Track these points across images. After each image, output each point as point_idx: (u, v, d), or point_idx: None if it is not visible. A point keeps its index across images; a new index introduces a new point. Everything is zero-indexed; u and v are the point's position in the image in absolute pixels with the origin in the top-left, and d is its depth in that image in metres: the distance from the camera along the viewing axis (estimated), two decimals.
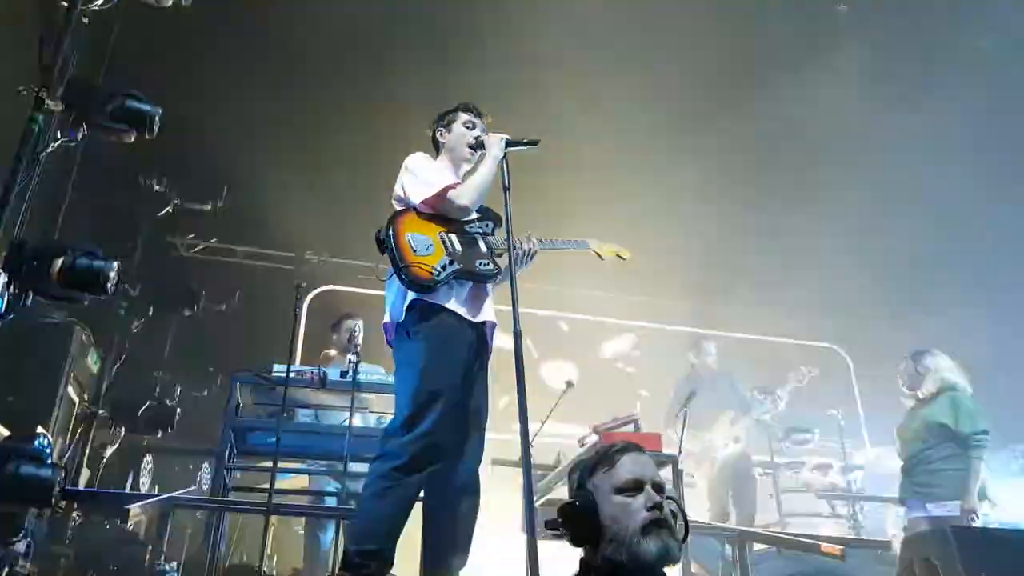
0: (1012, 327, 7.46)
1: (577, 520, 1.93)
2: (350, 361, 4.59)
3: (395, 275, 3.01)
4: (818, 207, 7.35)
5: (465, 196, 3.14)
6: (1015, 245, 7.42)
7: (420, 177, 3.18)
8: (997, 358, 7.01)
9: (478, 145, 3.27)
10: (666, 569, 1.89)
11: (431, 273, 2.97)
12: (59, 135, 3.73)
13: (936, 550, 3.15)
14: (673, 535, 1.88)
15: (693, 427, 5.82)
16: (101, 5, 4.03)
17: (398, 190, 3.23)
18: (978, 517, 4.39)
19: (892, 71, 6.69)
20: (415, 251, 3.01)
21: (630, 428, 4.42)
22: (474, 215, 3.24)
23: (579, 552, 2.00)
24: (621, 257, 3.55)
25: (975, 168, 7.01)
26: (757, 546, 4.58)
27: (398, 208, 3.19)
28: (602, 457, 2.01)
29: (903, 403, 5.02)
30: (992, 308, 7.49)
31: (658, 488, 1.93)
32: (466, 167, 3.38)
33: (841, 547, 3.98)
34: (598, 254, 3.50)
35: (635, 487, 1.92)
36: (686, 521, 1.96)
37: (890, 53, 6.62)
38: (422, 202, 3.14)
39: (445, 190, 3.13)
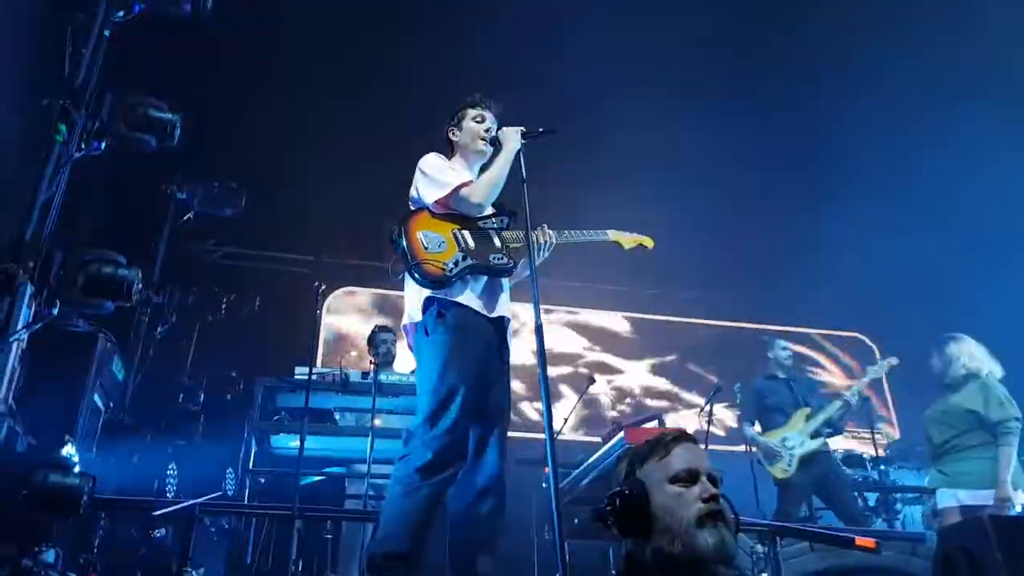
0: None
1: (628, 509, 1.84)
2: (371, 362, 4.59)
3: (406, 273, 3.01)
4: (845, 195, 7.29)
5: (477, 193, 3.12)
6: None
7: (433, 177, 3.18)
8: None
9: (493, 140, 3.26)
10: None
11: (443, 269, 2.96)
12: (82, 146, 3.77)
13: (974, 540, 3.07)
14: (729, 528, 1.81)
15: (766, 425, 5.76)
16: (123, 17, 4.08)
17: (412, 191, 3.23)
18: (1015, 506, 4.29)
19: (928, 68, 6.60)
20: (427, 248, 3.01)
21: (654, 424, 4.40)
22: (488, 210, 3.22)
23: None
24: (644, 246, 3.49)
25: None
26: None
27: (413, 209, 3.18)
28: (655, 445, 1.93)
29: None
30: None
31: (713, 480, 1.86)
32: (482, 161, 3.37)
33: (875, 540, 3.91)
34: (620, 243, 3.45)
35: (690, 477, 1.84)
36: (736, 516, 1.87)
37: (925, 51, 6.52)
38: (435, 202, 3.13)
39: (457, 188, 3.12)
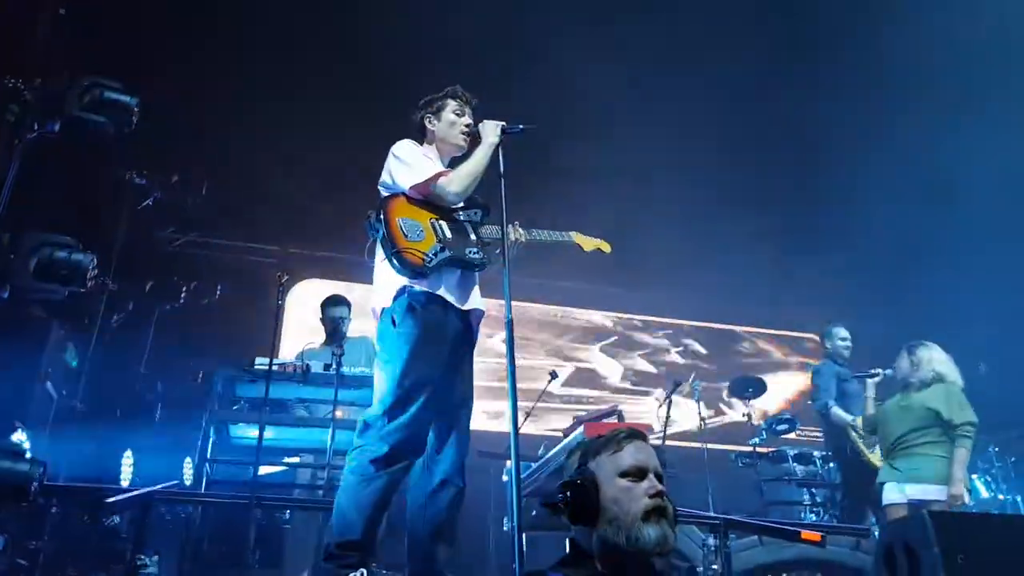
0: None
1: (579, 497, 1.94)
2: (334, 354, 4.57)
3: (386, 260, 3.01)
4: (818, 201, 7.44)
5: (456, 183, 3.11)
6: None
7: (409, 164, 3.16)
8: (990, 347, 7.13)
9: (472, 133, 3.27)
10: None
11: (423, 259, 2.97)
12: (36, 126, 3.68)
13: (914, 534, 3.18)
14: (671, 524, 1.91)
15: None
16: None
17: (385, 177, 3.20)
18: (966, 504, 4.45)
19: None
20: (406, 236, 3.01)
21: (614, 419, 4.45)
22: (462, 203, 3.24)
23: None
24: (601, 250, 3.58)
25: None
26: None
27: (385, 195, 3.18)
28: (608, 441, 2.03)
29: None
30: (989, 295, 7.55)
31: (659, 477, 1.96)
32: (455, 155, 3.37)
33: (821, 534, 4.02)
34: (581, 246, 3.52)
35: (638, 473, 1.95)
36: (675, 510, 1.98)
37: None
38: (411, 188, 3.12)
39: (436, 177, 3.11)
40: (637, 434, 2.06)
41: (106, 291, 5.35)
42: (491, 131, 3.13)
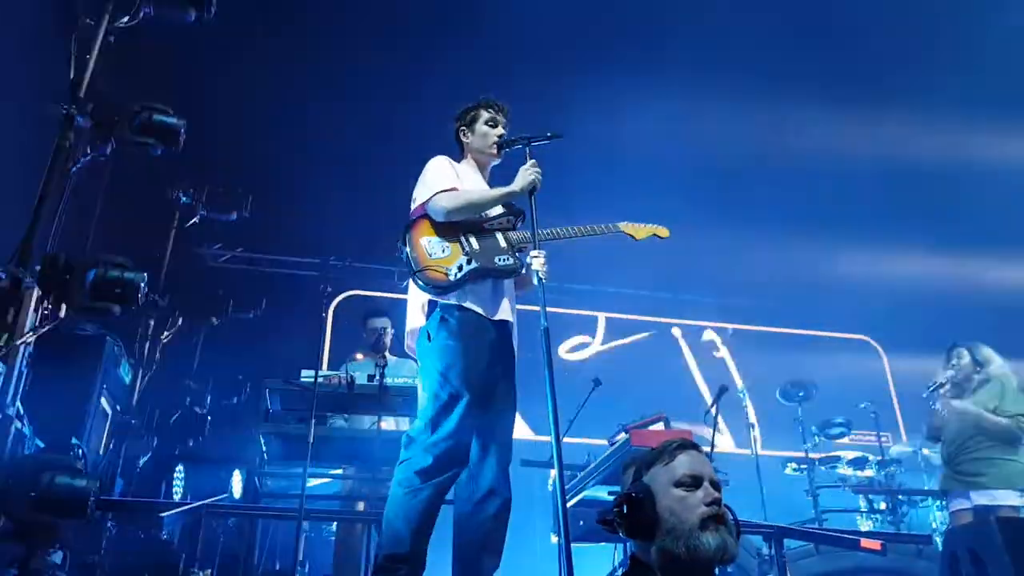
0: None
1: (635, 510, 1.94)
2: (377, 365, 4.59)
3: (411, 280, 3.02)
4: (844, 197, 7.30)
5: (450, 203, 3.08)
6: None
7: (425, 182, 3.20)
8: None
9: (503, 144, 3.27)
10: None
11: (445, 275, 2.98)
12: (88, 151, 3.78)
13: (981, 541, 3.07)
14: (730, 531, 1.90)
15: None
16: (127, 22, 4.10)
17: (414, 194, 3.25)
18: None
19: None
20: (430, 255, 3.02)
21: (660, 426, 4.39)
22: (497, 210, 3.21)
23: None
24: (658, 235, 3.41)
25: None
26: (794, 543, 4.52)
27: (416, 216, 3.19)
28: (661, 452, 2.03)
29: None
30: None
31: (715, 485, 1.96)
32: (494, 163, 3.39)
33: (881, 542, 3.90)
34: (632, 236, 3.38)
35: (693, 482, 1.94)
36: (736, 521, 1.98)
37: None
38: (414, 211, 3.15)
39: (432, 196, 3.11)
40: (690, 444, 2.05)
41: (156, 308, 5.46)
42: (520, 180, 3.08)
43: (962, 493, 4.52)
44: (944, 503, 4.83)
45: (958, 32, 6.55)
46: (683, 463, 1.97)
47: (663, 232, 3.44)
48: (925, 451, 5.86)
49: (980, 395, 4.66)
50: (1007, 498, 4.33)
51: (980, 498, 4.43)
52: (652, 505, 1.93)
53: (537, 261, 2.91)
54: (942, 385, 4.80)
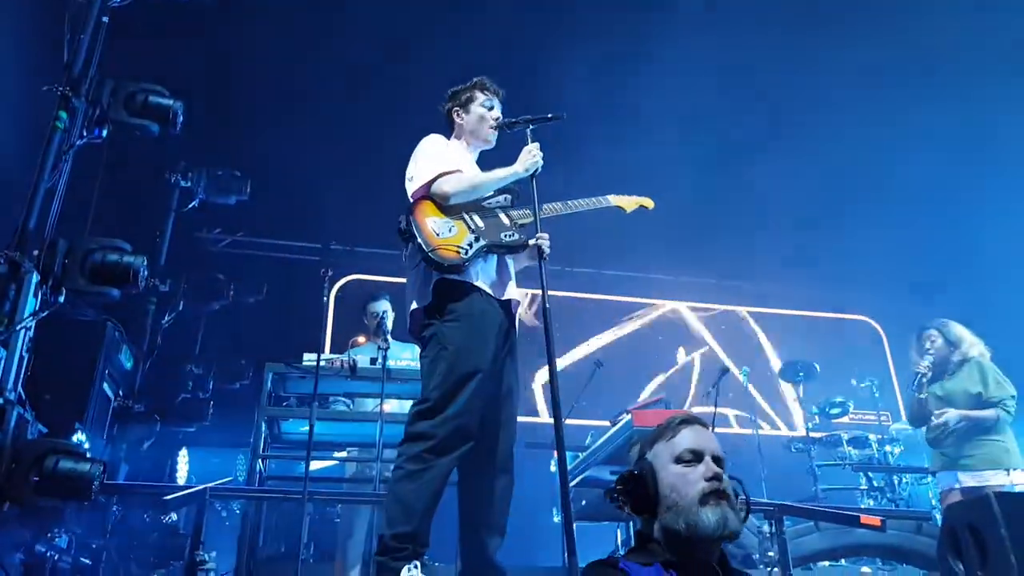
0: None
1: (636, 487, 1.93)
2: (379, 348, 4.60)
3: (423, 261, 3.01)
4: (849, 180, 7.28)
5: (453, 186, 3.10)
6: None
7: (427, 160, 3.18)
8: None
9: (504, 126, 3.26)
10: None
11: (459, 252, 2.97)
12: (84, 133, 3.76)
13: (980, 517, 3.08)
14: (732, 506, 1.87)
15: None
16: (121, 3, 4.06)
17: (409, 171, 3.24)
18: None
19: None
20: (438, 234, 3.01)
21: (661, 407, 4.40)
22: (490, 192, 3.23)
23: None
24: (644, 206, 3.51)
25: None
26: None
27: (410, 190, 3.19)
28: (664, 428, 2.01)
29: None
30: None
31: (717, 460, 1.93)
32: (485, 148, 3.38)
33: (881, 518, 3.92)
34: (622, 207, 3.46)
35: (695, 457, 1.92)
36: (747, 497, 1.95)
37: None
38: (414, 192, 3.13)
39: (440, 175, 3.11)
40: (693, 419, 2.02)
41: (157, 292, 5.46)
42: (522, 161, 3.11)
43: (950, 474, 4.55)
44: (935, 483, 4.85)
45: None
46: (685, 438, 1.95)
47: (648, 203, 3.53)
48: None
49: (960, 379, 4.67)
50: (995, 478, 4.36)
51: (968, 479, 4.46)
52: (654, 481, 1.92)
53: (544, 241, 2.98)
54: (924, 375, 4.78)
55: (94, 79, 3.81)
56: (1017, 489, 4.31)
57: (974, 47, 6.47)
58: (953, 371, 4.71)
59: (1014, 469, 4.41)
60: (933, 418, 4.63)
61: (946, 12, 6.28)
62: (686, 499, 1.86)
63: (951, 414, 4.54)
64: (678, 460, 1.92)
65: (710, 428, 2.05)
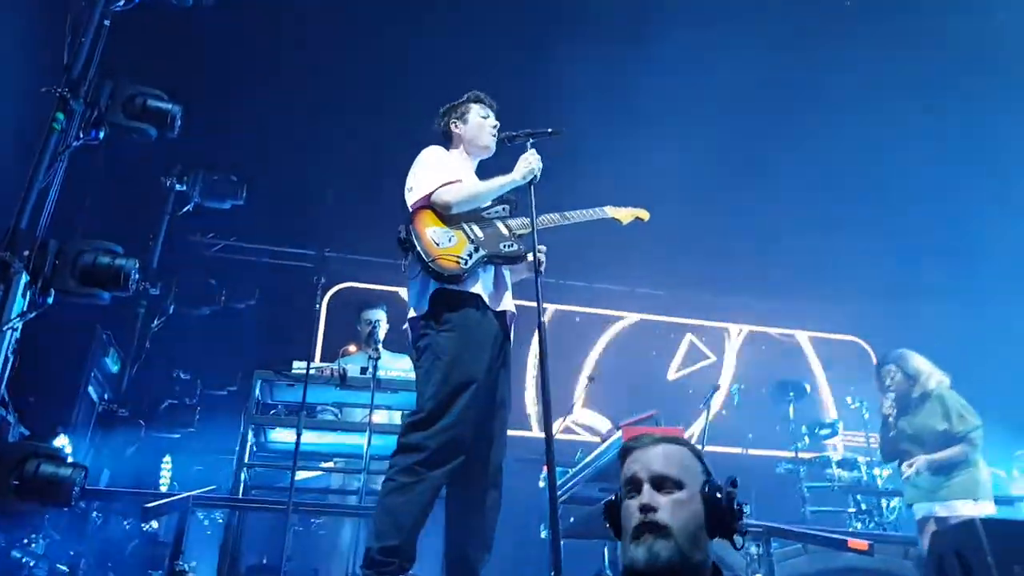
0: None
1: (608, 516, 1.89)
2: (370, 358, 4.57)
3: (422, 271, 3.00)
4: (839, 199, 7.32)
5: (454, 196, 3.10)
6: None
7: (426, 171, 3.18)
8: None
9: (504, 139, 3.26)
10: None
11: (458, 262, 2.97)
12: (80, 135, 3.75)
13: (967, 544, 3.07)
14: (665, 537, 1.71)
15: None
16: (123, 6, 4.06)
17: (408, 182, 3.23)
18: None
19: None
20: (438, 244, 3.01)
21: (652, 424, 4.38)
22: (488, 202, 3.22)
23: None
24: (640, 218, 3.51)
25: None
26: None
27: (409, 200, 3.18)
28: (626, 451, 1.91)
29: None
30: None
31: (659, 482, 1.78)
32: (484, 156, 3.38)
33: (868, 542, 3.91)
34: (618, 220, 3.46)
35: (633, 487, 1.81)
36: (722, 515, 1.79)
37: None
38: (414, 203, 3.13)
39: (441, 185, 3.11)
40: (647, 440, 1.89)
41: (147, 296, 5.42)
42: (520, 168, 3.11)
43: (927, 505, 4.57)
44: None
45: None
46: (627, 468, 1.85)
47: (644, 215, 3.53)
48: None
49: (924, 416, 4.69)
50: (964, 508, 4.38)
51: (941, 510, 4.48)
52: (617, 510, 1.85)
53: (541, 255, 2.99)
54: (890, 416, 4.82)
55: (93, 81, 3.80)
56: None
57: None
58: (916, 407, 4.75)
59: (982, 499, 4.45)
60: (905, 467, 4.66)
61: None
62: (627, 534, 1.77)
63: (920, 462, 4.58)
64: (625, 492, 1.84)
65: (674, 443, 1.88)
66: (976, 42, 6.54)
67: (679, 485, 1.79)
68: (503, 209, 3.25)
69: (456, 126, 3.40)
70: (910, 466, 4.60)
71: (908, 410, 4.79)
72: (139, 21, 4.50)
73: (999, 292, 7.41)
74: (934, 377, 4.76)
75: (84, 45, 3.84)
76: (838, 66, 6.61)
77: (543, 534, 5.47)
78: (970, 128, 6.82)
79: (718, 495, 1.79)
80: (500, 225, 3.21)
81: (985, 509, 4.42)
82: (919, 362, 4.82)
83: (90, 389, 4.34)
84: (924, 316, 7.57)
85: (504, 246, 3.12)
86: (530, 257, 3.06)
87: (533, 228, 2.94)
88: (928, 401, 4.71)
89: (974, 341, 6.79)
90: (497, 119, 3.41)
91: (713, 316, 9.22)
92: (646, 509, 1.74)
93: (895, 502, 5.91)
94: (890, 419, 4.82)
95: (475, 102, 3.41)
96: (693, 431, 6.50)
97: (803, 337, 9.23)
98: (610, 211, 3.44)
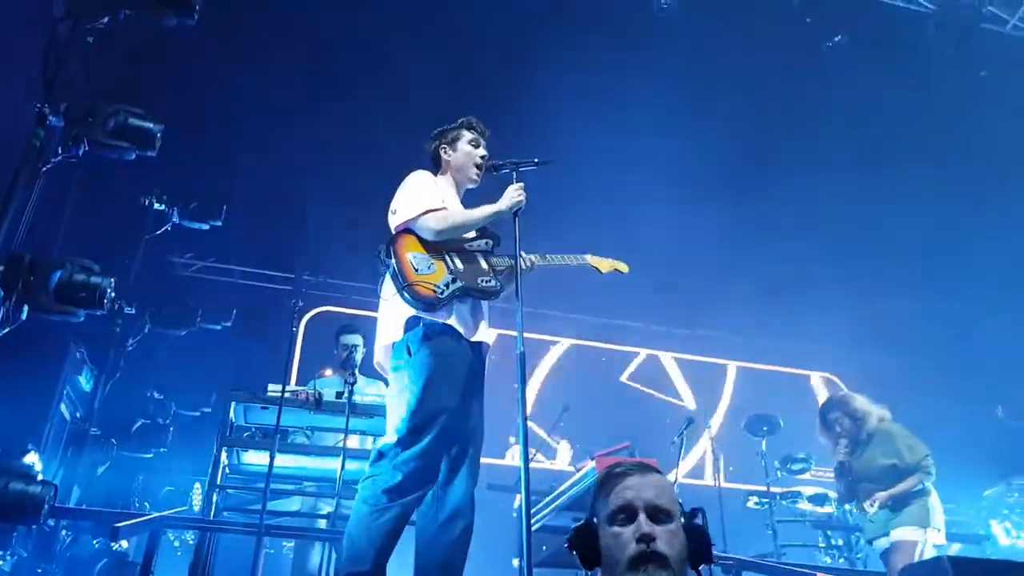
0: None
1: (581, 544, 1.86)
2: (346, 382, 4.55)
3: (397, 294, 3.00)
4: (811, 234, 7.46)
5: (438, 224, 3.11)
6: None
7: (408, 200, 3.18)
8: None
9: (487, 167, 3.29)
10: None
11: (434, 291, 2.98)
12: (60, 151, 3.74)
13: None
14: (666, 567, 1.73)
15: None
16: (105, 24, 4.07)
17: (392, 205, 3.24)
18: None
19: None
20: (417, 270, 3.02)
21: (625, 455, 4.41)
22: (473, 232, 3.25)
23: None
24: (619, 270, 3.57)
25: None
26: None
27: (392, 223, 3.19)
28: (603, 481, 1.91)
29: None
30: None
31: (654, 512, 1.79)
32: (470, 186, 3.41)
33: None
34: (597, 268, 3.51)
35: (626, 516, 1.80)
36: (705, 545, 1.82)
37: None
38: (397, 226, 3.14)
39: (425, 212, 3.12)
40: (634, 468, 1.90)
41: (123, 315, 5.38)
42: (506, 200, 3.14)
43: (886, 540, 4.67)
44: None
45: None
46: (618, 495, 1.83)
47: (623, 268, 3.59)
48: None
49: (874, 454, 4.81)
50: (914, 534, 4.51)
51: (895, 535, 4.60)
52: (595, 540, 1.83)
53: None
54: (845, 462, 4.93)
55: (74, 98, 3.80)
56: (929, 544, 4.50)
57: None
58: (864, 447, 4.86)
59: (931, 527, 4.56)
60: (866, 505, 4.74)
61: None
62: (619, 564, 1.75)
63: (882, 497, 4.66)
64: (612, 520, 1.82)
65: (658, 473, 1.90)
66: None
67: (670, 516, 1.82)
68: (486, 243, 3.27)
69: (445, 152, 3.41)
70: (872, 504, 4.67)
71: (858, 450, 4.89)
72: (122, 39, 4.52)
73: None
74: (874, 416, 4.88)
75: (66, 62, 3.84)
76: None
77: (515, 563, 5.45)
78: None
79: (698, 527, 1.84)
80: (481, 260, 3.22)
81: (932, 537, 4.52)
82: (860, 403, 4.95)
83: (62, 407, 4.29)
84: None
85: (482, 281, 3.14)
86: (504, 294, 3.13)
87: (517, 259, 2.95)
88: (875, 438, 4.83)
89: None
90: (487, 146, 3.42)
91: (689, 349, 9.31)
92: (647, 539, 1.75)
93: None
94: (846, 464, 4.93)
95: (467, 128, 3.41)
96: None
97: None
98: (591, 260, 3.49)
